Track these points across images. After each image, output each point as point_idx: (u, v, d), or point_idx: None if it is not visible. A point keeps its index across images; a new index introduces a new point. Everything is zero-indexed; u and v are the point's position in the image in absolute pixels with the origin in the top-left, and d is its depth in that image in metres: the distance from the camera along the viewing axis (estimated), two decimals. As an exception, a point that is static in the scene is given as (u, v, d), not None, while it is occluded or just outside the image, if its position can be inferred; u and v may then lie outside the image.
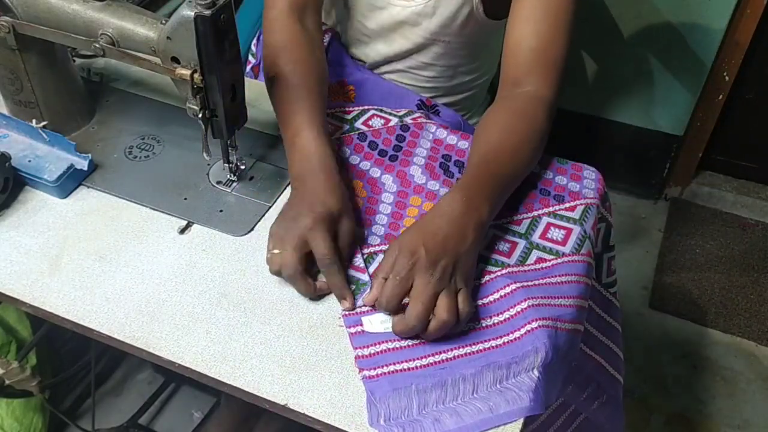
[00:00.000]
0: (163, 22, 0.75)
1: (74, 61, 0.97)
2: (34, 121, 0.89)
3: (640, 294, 1.83)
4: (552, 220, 0.83)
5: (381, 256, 0.78)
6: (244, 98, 0.81)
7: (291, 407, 0.65)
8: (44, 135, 0.87)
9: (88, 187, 0.87)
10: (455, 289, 0.69)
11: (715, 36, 1.72)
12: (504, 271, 0.76)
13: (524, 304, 0.71)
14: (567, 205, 0.84)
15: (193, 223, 0.83)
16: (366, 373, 0.68)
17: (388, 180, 0.87)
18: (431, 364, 0.68)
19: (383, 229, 0.82)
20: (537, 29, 0.88)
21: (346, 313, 0.73)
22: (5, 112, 0.92)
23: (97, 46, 0.79)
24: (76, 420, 1.49)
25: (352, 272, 0.76)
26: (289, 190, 0.86)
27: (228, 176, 0.87)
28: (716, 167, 2.13)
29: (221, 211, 0.84)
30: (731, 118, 1.95)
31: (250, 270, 0.77)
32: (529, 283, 0.75)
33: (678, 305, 1.79)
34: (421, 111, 0.98)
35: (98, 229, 0.82)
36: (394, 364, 0.68)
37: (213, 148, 0.83)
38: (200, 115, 0.77)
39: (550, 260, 0.79)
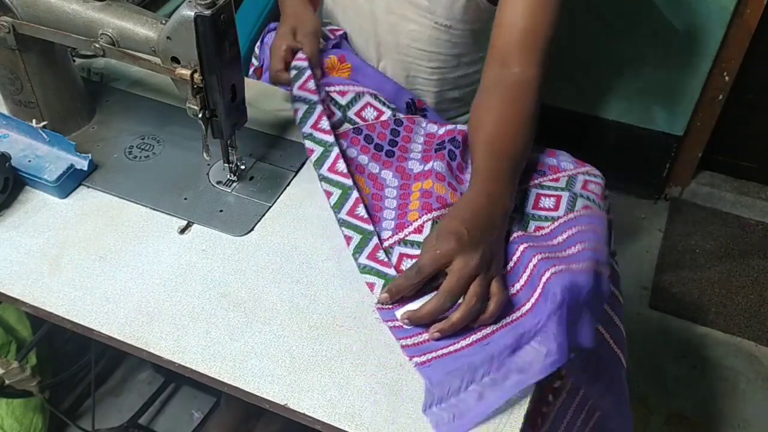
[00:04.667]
0: (163, 22, 0.75)
1: (74, 61, 0.97)
2: (34, 121, 0.89)
3: (640, 294, 1.83)
4: (540, 191, 0.85)
5: (398, 248, 0.79)
6: (244, 98, 0.81)
7: (291, 407, 0.65)
8: (44, 135, 0.87)
9: (88, 187, 0.87)
10: (491, 276, 0.71)
11: (715, 36, 1.72)
12: (511, 237, 0.78)
13: (534, 260, 0.73)
14: (550, 176, 0.86)
15: (193, 223, 0.83)
16: (417, 360, 0.68)
17: (388, 176, 0.88)
18: (475, 342, 0.70)
19: (393, 222, 0.82)
20: (526, 9, 0.90)
21: (380, 307, 0.73)
22: (5, 112, 0.92)
23: (97, 46, 0.79)
24: (76, 420, 1.49)
25: (378, 267, 0.77)
26: (288, 190, 0.87)
27: (228, 176, 0.87)
28: (716, 167, 2.13)
29: (221, 211, 0.84)
30: (731, 118, 1.95)
31: (250, 270, 0.77)
32: (535, 244, 0.77)
33: (678, 305, 1.79)
34: (409, 111, 0.99)
35: (98, 229, 0.82)
36: (442, 348, 0.69)
37: (213, 148, 0.84)
38: (200, 115, 0.77)
39: (547, 227, 0.81)
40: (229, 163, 0.86)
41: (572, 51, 1.85)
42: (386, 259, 0.78)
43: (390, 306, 0.73)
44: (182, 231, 0.82)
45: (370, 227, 0.80)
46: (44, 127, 0.88)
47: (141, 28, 0.77)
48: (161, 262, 0.78)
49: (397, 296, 0.72)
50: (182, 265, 0.78)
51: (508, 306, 0.72)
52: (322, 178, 0.85)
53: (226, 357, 0.69)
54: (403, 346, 0.70)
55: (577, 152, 0.94)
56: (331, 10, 1.13)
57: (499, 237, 0.75)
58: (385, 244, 0.80)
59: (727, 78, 1.82)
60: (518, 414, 0.65)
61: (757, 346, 1.71)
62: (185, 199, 0.85)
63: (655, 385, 1.63)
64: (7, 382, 1.21)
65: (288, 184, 0.88)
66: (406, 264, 0.77)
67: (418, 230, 0.80)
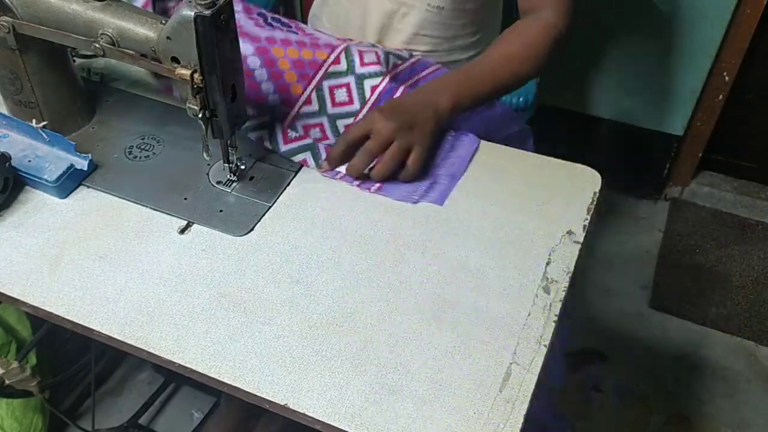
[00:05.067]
0: (163, 22, 0.75)
1: (74, 61, 0.97)
2: (34, 121, 0.89)
3: (640, 294, 1.83)
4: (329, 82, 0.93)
5: (299, 123, 0.90)
6: (244, 98, 0.81)
7: (291, 407, 0.66)
8: (44, 135, 0.87)
9: (88, 187, 0.87)
10: (409, 142, 0.83)
11: (715, 36, 1.72)
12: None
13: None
14: (331, 59, 0.93)
15: (193, 223, 0.83)
16: (370, 189, 0.85)
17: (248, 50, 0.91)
18: None
19: (278, 98, 0.91)
20: None
21: (323, 172, 0.87)
22: (5, 112, 0.92)
23: (97, 46, 0.79)
24: (76, 420, 1.50)
25: (297, 144, 0.88)
26: (288, 190, 0.87)
27: (228, 176, 0.87)
28: (716, 167, 2.13)
29: (221, 211, 0.84)
30: (731, 118, 1.95)
31: (250, 270, 0.77)
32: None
33: (678, 305, 1.79)
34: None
35: (98, 229, 0.82)
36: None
37: (213, 148, 0.84)
38: (200, 115, 0.77)
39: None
40: (229, 163, 0.86)
41: (572, 51, 1.85)
42: (297, 134, 0.89)
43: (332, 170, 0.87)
44: (182, 231, 0.82)
45: (266, 117, 0.89)
46: (44, 127, 0.88)
47: (141, 28, 0.77)
48: (161, 262, 0.78)
49: (335, 163, 0.86)
50: (182, 265, 0.78)
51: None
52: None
53: (226, 357, 0.69)
54: (356, 185, 0.85)
55: (578, 152, 0.94)
56: (323, 4, 1.13)
57: (427, 120, 0.85)
58: (286, 124, 0.90)
59: (727, 78, 1.82)
60: (518, 414, 0.65)
61: (757, 346, 1.71)
62: (185, 199, 0.85)
63: (655, 385, 1.63)
64: (7, 382, 1.21)
65: (288, 184, 0.88)
66: (313, 132, 0.90)
67: (308, 102, 0.91)
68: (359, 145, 0.84)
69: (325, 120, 0.91)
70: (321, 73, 0.92)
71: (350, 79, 0.93)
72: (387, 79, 0.93)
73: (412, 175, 0.85)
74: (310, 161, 0.88)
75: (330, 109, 0.91)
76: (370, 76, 0.93)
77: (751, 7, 1.67)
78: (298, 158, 0.88)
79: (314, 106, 0.91)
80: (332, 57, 0.93)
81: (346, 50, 0.93)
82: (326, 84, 0.92)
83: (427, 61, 1.02)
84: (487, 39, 1.12)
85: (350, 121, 0.92)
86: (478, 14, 1.05)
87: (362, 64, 0.93)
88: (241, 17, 0.96)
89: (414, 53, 1.07)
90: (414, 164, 0.84)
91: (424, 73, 1.01)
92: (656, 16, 1.74)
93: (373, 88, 0.92)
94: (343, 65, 0.93)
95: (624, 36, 1.81)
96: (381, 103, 0.92)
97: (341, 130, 0.90)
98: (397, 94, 0.92)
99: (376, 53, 0.95)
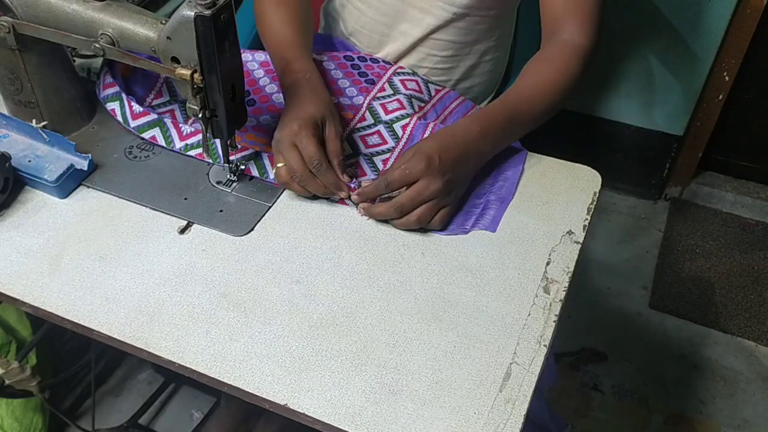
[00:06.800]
0: (163, 22, 0.75)
1: (74, 61, 0.97)
2: (34, 121, 0.89)
3: (640, 294, 1.83)
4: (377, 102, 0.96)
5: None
6: (244, 98, 0.81)
7: (291, 407, 0.66)
8: (44, 135, 0.87)
9: (88, 187, 0.87)
10: (443, 205, 0.80)
11: (715, 36, 1.72)
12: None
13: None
14: (357, 119, 0.96)
15: (193, 223, 0.83)
16: None
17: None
18: None
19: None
20: None
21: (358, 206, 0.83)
22: (5, 112, 0.92)
23: (97, 46, 0.79)
24: (76, 420, 1.50)
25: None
26: (288, 191, 0.86)
27: (228, 176, 0.87)
28: (716, 167, 2.13)
29: (221, 211, 0.84)
30: (731, 118, 1.95)
31: (250, 270, 0.77)
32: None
33: (678, 305, 1.79)
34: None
35: (98, 229, 0.82)
36: None
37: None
38: (200, 115, 0.77)
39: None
40: (229, 163, 0.86)
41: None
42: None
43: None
44: (182, 231, 0.82)
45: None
46: (44, 127, 0.88)
47: (141, 28, 0.77)
48: (161, 262, 0.78)
49: (366, 198, 0.81)
50: (182, 265, 0.78)
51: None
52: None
53: (226, 357, 0.69)
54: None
55: (578, 152, 0.94)
56: (341, 7, 1.12)
57: (467, 174, 0.83)
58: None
59: (727, 78, 1.82)
60: (518, 414, 0.65)
61: (757, 346, 1.71)
62: (185, 199, 0.85)
63: (655, 385, 1.63)
64: (7, 382, 1.20)
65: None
66: (349, 171, 0.86)
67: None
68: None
69: (360, 159, 0.90)
70: (349, 128, 0.94)
71: (379, 127, 0.94)
72: (415, 118, 0.94)
73: (435, 228, 0.81)
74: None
75: (365, 150, 0.92)
76: (399, 119, 0.95)
77: (751, 7, 1.67)
78: (336, 197, 0.84)
79: (347, 151, 0.90)
80: (358, 117, 0.96)
81: (370, 108, 0.96)
82: (356, 135, 0.94)
83: (450, 94, 1.03)
84: (503, 42, 1.12)
85: (387, 156, 0.91)
86: (498, 18, 1.05)
87: (387, 112, 0.96)
88: (267, 80, 0.99)
89: (435, 57, 1.07)
90: (439, 222, 0.80)
91: (452, 107, 1.02)
92: (656, 16, 1.74)
93: (404, 127, 0.94)
94: (369, 120, 0.95)
95: (624, 36, 1.81)
96: (414, 139, 0.92)
97: (379, 166, 0.89)
98: (428, 129, 0.92)
99: (398, 100, 0.97)
